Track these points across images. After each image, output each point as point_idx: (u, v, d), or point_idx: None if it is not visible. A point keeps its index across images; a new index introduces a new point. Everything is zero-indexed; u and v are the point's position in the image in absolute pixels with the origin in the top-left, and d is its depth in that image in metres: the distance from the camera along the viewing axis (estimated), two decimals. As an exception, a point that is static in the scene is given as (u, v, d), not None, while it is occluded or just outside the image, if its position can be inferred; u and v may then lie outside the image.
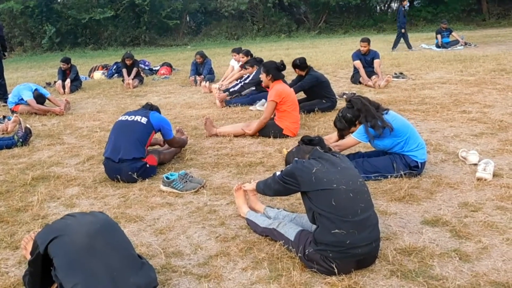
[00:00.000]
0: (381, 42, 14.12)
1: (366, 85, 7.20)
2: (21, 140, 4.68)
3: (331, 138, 3.58)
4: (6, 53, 7.62)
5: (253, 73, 6.23)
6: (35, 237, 1.89)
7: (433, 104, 5.60)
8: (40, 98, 6.39)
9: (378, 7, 25.04)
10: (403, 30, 12.77)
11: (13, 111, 6.35)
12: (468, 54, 10.56)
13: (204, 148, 4.31)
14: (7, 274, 2.29)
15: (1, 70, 7.20)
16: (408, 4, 12.56)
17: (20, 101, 6.42)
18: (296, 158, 2.40)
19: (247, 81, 6.23)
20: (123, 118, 3.61)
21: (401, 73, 7.90)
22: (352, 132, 3.36)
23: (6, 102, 6.86)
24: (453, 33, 12.96)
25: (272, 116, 4.58)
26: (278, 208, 2.78)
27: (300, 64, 5.49)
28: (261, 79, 4.93)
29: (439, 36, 12.75)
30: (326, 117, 5.33)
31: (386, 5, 25.40)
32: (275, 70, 4.49)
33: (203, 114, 5.76)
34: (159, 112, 3.80)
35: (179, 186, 3.23)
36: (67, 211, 3.02)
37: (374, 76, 7.29)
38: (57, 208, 3.08)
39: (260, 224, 2.58)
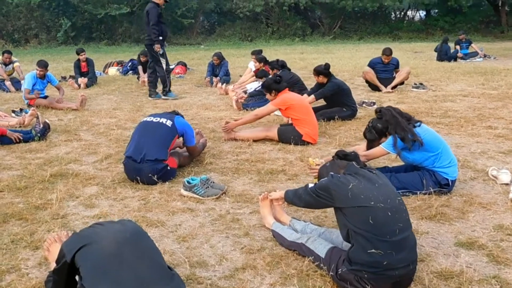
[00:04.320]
0: (397, 50, 13.96)
1: (384, 92, 7.11)
2: (39, 134, 4.64)
3: (359, 149, 3.49)
4: None
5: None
6: (62, 245, 1.81)
7: (457, 118, 5.47)
8: None
9: (393, 15, 24.85)
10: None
11: (29, 105, 6.32)
12: (489, 67, 10.38)
13: (223, 152, 4.23)
14: (28, 275, 2.22)
15: None
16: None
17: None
18: (332, 173, 2.31)
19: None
20: (148, 119, 3.55)
21: (421, 84, 7.76)
22: (381, 143, 3.25)
23: None
24: (472, 45, 12.76)
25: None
26: (305, 221, 2.69)
27: (325, 70, 5.38)
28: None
29: (458, 47, 12.55)
30: (346, 125, 5.22)
31: (402, 13, 25.19)
32: (275, 83, 4.45)
33: (220, 117, 5.69)
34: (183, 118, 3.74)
35: (201, 191, 3.14)
36: (86, 211, 2.95)
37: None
38: (76, 207, 3.01)
39: (287, 237, 2.50)
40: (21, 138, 4.52)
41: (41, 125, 4.71)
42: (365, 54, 14.34)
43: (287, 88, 4.57)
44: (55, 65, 12.05)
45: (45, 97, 6.55)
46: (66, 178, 3.55)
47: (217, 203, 3.09)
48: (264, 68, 7.00)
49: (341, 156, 2.44)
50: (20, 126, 5.23)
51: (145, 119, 3.63)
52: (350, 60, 12.23)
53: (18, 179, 3.51)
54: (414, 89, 7.46)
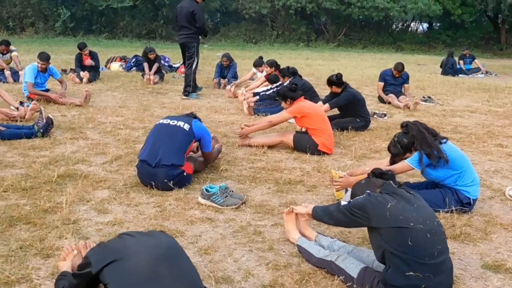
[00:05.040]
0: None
1: (393, 105, 7.02)
2: (41, 130, 4.42)
3: (381, 163, 3.39)
4: None
5: (286, 82, 6.00)
6: (87, 254, 1.66)
7: (467, 134, 5.43)
8: None
9: (394, 25, 24.94)
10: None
11: (29, 98, 6.05)
12: (492, 83, 10.44)
13: (237, 158, 4.08)
14: (40, 286, 2.05)
15: None
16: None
17: (35, 86, 6.15)
18: (368, 191, 2.19)
19: (279, 88, 6.01)
20: (165, 121, 3.39)
21: (429, 97, 7.73)
22: (405, 158, 3.17)
23: None
24: (475, 61, 12.94)
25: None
26: (331, 237, 2.57)
27: (337, 80, 5.28)
28: None
29: (461, 62, 12.71)
30: (360, 136, 5.12)
31: (405, 24, 25.32)
32: (290, 91, 4.35)
33: (232, 121, 5.54)
34: (201, 121, 3.59)
35: (220, 200, 2.99)
36: (99, 217, 2.78)
37: (402, 96, 7.13)
38: (88, 212, 2.84)
39: (315, 254, 2.39)
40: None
41: (44, 121, 4.49)
42: (370, 63, 14.32)
43: (303, 96, 4.45)
44: (53, 57, 11.67)
45: (47, 90, 6.31)
46: (75, 179, 3.37)
47: (237, 214, 2.94)
48: (275, 72, 6.85)
49: (378, 174, 2.35)
50: (21, 120, 5.01)
51: (161, 121, 3.46)
52: (356, 69, 12.16)
53: (23, 179, 3.31)
54: (423, 102, 7.42)
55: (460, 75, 12.07)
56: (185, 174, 3.25)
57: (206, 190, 3.03)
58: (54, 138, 4.43)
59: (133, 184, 3.31)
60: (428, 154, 3.00)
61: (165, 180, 3.15)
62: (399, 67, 7.21)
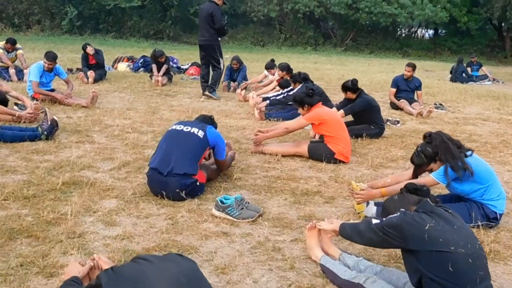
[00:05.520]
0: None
1: (406, 111, 6.85)
2: (45, 133, 4.24)
3: (403, 175, 3.24)
4: None
5: (297, 88, 5.83)
6: (100, 275, 1.48)
7: (482, 143, 5.29)
8: None
9: (400, 31, 24.77)
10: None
11: (33, 98, 5.86)
12: (500, 91, 10.34)
13: (251, 166, 3.90)
14: (43, 311, 1.87)
15: None
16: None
17: (40, 86, 5.96)
18: (403, 209, 2.01)
19: (290, 93, 5.84)
20: (178, 127, 3.21)
21: (441, 104, 7.58)
22: (429, 170, 3.02)
23: None
24: (482, 68, 13.01)
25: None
26: (356, 256, 2.39)
27: (352, 86, 5.11)
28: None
29: (469, 68, 12.72)
30: (375, 144, 4.94)
31: (411, 30, 25.18)
32: (307, 97, 4.17)
33: (243, 126, 5.36)
34: (216, 127, 3.40)
35: (235, 213, 2.81)
36: (106, 230, 2.60)
37: (415, 103, 6.98)
38: (94, 224, 2.66)
39: (341, 275, 2.21)
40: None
41: (49, 122, 4.29)
42: (377, 69, 14.14)
43: (320, 102, 4.27)
44: (59, 56, 11.54)
45: (52, 90, 6.14)
46: (80, 187, 3.19)
47: (253, 227, 2.76)
48: (287, 76, 6.68)
49: (412, 189, 2.16)
50: (24, 122, 4.80)
51: (173, 127, 3.28)
52: (365, 74, 11.99)
53: (25, 186, 3.13)
54: (435, 109, 7.25)
55: (469, 83, 11.97)
56: (198, 183, 3.07)
57: (221, 201, 2.85)
58: (59, 141, 4.26)
59: (143, 193, 3.13)
60: (453, 166, 2.84)
61: (177, 190, 2.97)
62: (410, 64, 7.17)
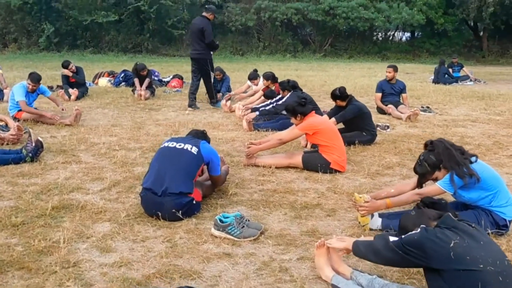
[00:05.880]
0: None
1: (394, 116, 6.87)
2: (30, 154, 4.06)
3: (407, 184, 3.16)
4: None
5: (286, 96, 5.78)
6: None
7: (475, 145, 5.27)
8: None
9: (377, 35, 25.19)
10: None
11: (15, 118, 5.66)
12: (484, 91, 10.47)
13: (245, 180, 3.80)
14: None
15: None
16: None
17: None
18: (423, 226, 1.92)
19: (279, 102, 5.78)
20: (170, 144, 3.09)
21: (427, 107, 7.61)
22: (433, 179, 2.94)
23: None
24: (464, 69, 13.15)
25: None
26: (369, 274, 2.29)
27: (340, 95, 5.07)
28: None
29: (450, 69, 12.85)
30: (368, 151, 4.90)
31: (388, 34, 25.63)
32: (300, 106, 4.10)
33: (232, 138, 5.26)
34: (209, 142, 3.29)
35: (236, 232, 2.70)
36: (102, 257, 2.45)
37: (401, 106, 7.01)
38: (89, 251, 2.51)
39: (354, 295, 2.11)
40: None
41: (33, 144, 4.11)
42: (359, 73, 14.28)
43: (313, 111, 4.21)
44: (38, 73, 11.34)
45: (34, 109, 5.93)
46: (71, 211, 3.03)
47: (256, 246, 2.65)
48: (273, 86, 6.62)
49: (429, 204, 2.07)
50: (7, 143, 4.61)
51: (165, 144, 3.16)
52: (348, 80, 12.06)
53: (12, 212, 2.96)
54: (422, 112, 7.27)
55: (452, 84, 12.15)
56: (194, 202, 2.95)
57: (220, 220, 2.74)
58: (45, 163, 4.07)
59: (137, 215, 2.99)
60: (458, 173, 2.76)
61: (173, 210, 2.84)
62: (391, 65, 7.23)
